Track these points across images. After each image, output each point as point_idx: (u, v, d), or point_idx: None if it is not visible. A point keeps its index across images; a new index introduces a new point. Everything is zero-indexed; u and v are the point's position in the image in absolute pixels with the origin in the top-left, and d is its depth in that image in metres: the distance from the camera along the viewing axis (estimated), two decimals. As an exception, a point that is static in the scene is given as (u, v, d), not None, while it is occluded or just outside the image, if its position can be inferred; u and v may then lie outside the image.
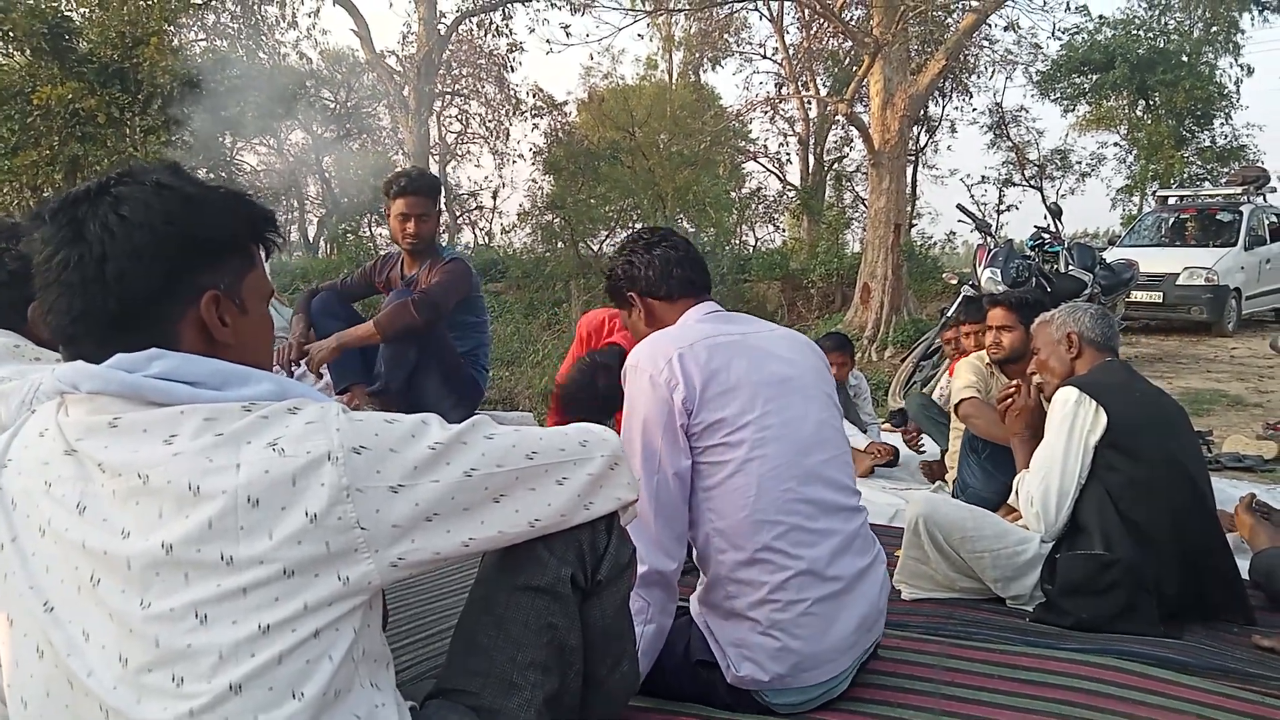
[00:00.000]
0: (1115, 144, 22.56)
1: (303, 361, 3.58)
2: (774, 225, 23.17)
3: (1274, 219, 12.15)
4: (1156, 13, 20.48)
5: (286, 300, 6.22)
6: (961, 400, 3.40)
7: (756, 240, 22.60)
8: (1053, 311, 2.74)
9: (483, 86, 20.96)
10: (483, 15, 17.06)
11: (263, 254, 1.15)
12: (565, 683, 1.19)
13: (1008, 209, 23.20)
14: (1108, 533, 2.29)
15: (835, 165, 21.61)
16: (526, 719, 1.14)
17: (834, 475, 1.81)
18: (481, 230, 23.61)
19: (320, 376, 3.89)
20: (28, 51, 9.52)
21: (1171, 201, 12.95)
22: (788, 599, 1.70)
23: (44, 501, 0.97)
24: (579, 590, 1.20)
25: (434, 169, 20.56)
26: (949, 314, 5.89)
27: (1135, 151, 21.44)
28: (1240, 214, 11.51)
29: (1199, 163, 20.81)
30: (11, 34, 9.47)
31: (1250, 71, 21.12)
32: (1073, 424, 2.38)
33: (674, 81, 21.61)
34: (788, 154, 21.45)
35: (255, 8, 16.51)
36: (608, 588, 1.24)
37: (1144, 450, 2.34)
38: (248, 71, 13.29)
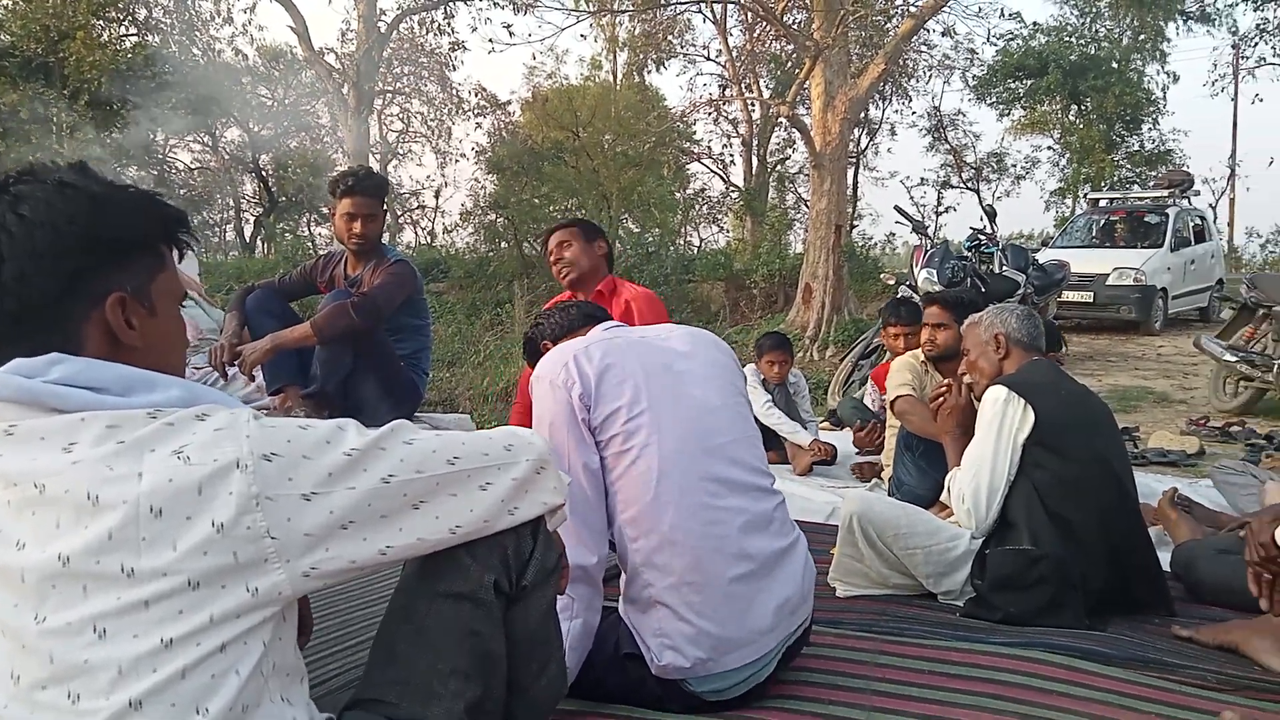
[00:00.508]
0: (1049, 148, 23.19)
1: (235, 363, 3.49)
2: (718, 226, 23.33)
3: (1198, 221, 12.57)
4: (1088, 20, 21.09)
5: (219, 301, 6.08)
6: (896, 398, 3.45)
7: (701, 241, 22.75)
8: (981, 313, 2.79)
9: (425, 85, 20.75)
10: (424, 13, 16.86)
11: (175, 255, 1.12)
12: (488, 690, 1.17)
13: (946, 210, 23.72)
14: (1035, 529, 2.34)
15: (778, 167, 21.83)
16: None
17: (740, 455, 1.85)
18: (424, 230, 23.41)
19: (253, 378, 3.81)
20: (-55, 44, 9.19)
21: (1102, 204, 13.32)
22: (701, 580, 1.72)
23: None
24: (503, 596, 1.18)
25: (375, 168, 20.26)
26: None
27: (1068, 155, 22.05)
28: (1166, 216, 11.89)
29: (1128, 166, 21.47)
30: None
31: (1176, 78, 21.95)
32: (1002, 422, 2.43)
33: (618, 82, 21.63)
34: (731, 155, 21.62)
35: (189, 2, 16.12)
36: (533, 593, 1.22)
37: (1071, 448, 2.40)
38: (181, 67, 12.99)
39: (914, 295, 6.34)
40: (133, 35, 14.74)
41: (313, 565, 0.97)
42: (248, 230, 21.99)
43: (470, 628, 1.15)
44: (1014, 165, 23.74)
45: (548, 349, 2.07)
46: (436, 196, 22.99)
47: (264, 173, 20.83)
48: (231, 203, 22.65)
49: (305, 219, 21.72)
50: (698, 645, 1.72)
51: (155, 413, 0.95)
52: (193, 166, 21.45)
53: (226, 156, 21.34)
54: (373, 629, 1.25)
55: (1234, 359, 6.16)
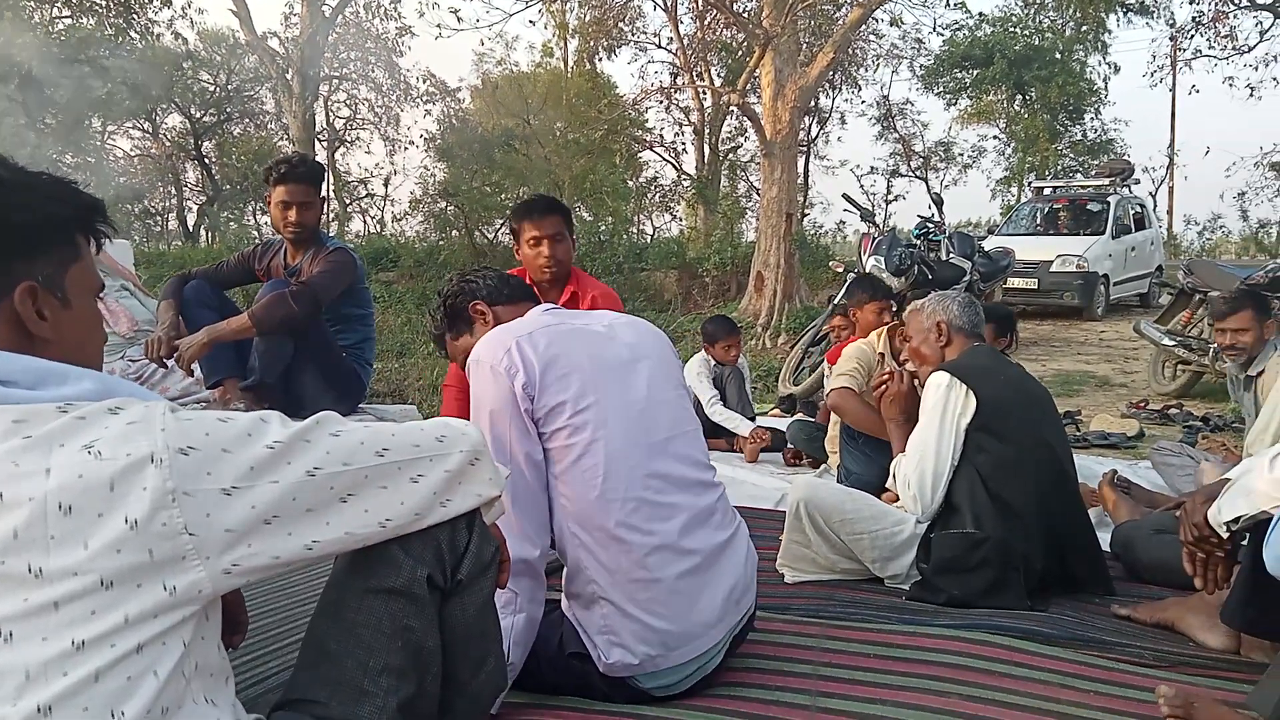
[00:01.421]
0: (995, 137, 23.58)
1: (173, 356, 3.39)
2: (671, 214, 23.35)
3: (1138, 209, 12.86)
4: (1032, 11, 21.40)
5: (153, 293, 5.92)
6: (832, 390, 3.47)
7: (654, 229, 22.74)
8: (922, 301, 2.83)
9: (372, 71, 20.43)
10: (370, -3, 16.60)
11: (92, 246, 1.07)
12: (423, 686, 1.14)
13: (895, 199, 24.02)
14: (978, 511, 2.37)
15: (730, 155, 21.88)
16: None
17: (683, 450, 1.83)
18: (373, 218, 23.08)
19: (191, 372, 3.72)
20: None
21: (1046, 192, 13.56)
22: (647, 577, 1.70)
23: None
24: (437, 591, 1.15)
25: (321, 155, 19.92)
26: (836, 301, 6.01)
27: (1013, 144, 22.42)
28: (1108, 204, 12.14)
29: (1071, 155, 21.90)
30: None
31: (1117, 69, 22.35)
32: (945, 407, 2.45)
33: (569, 69, 21.48)
34: (683, 143, 21.60)
35: (125, -17, 15.64)
36: (469, 587, 1.19)
37: (1012, 431, 2.43)
38: (117, 51, 12.60)
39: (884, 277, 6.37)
40: (65, 17, 14.29)
41: (234, 562, 0.94)
42: (190, 219, 21.51)
43: (402, 623, 1.12)
44: (961, 154, 24.13)
45: (479, 311, 1.99)
46: (385, 185, 22.67)
47: (207, 160, 20.38)
48: (174, 191, 22.11)
49: (250, 207, 21.30)
50: (645, 642, 1.70)
51: (65, 406, 0.91)
52: (133, 154, 20.91)
53: (168, 143, 20.83)
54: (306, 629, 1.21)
55: (1172, 343, 6.31)
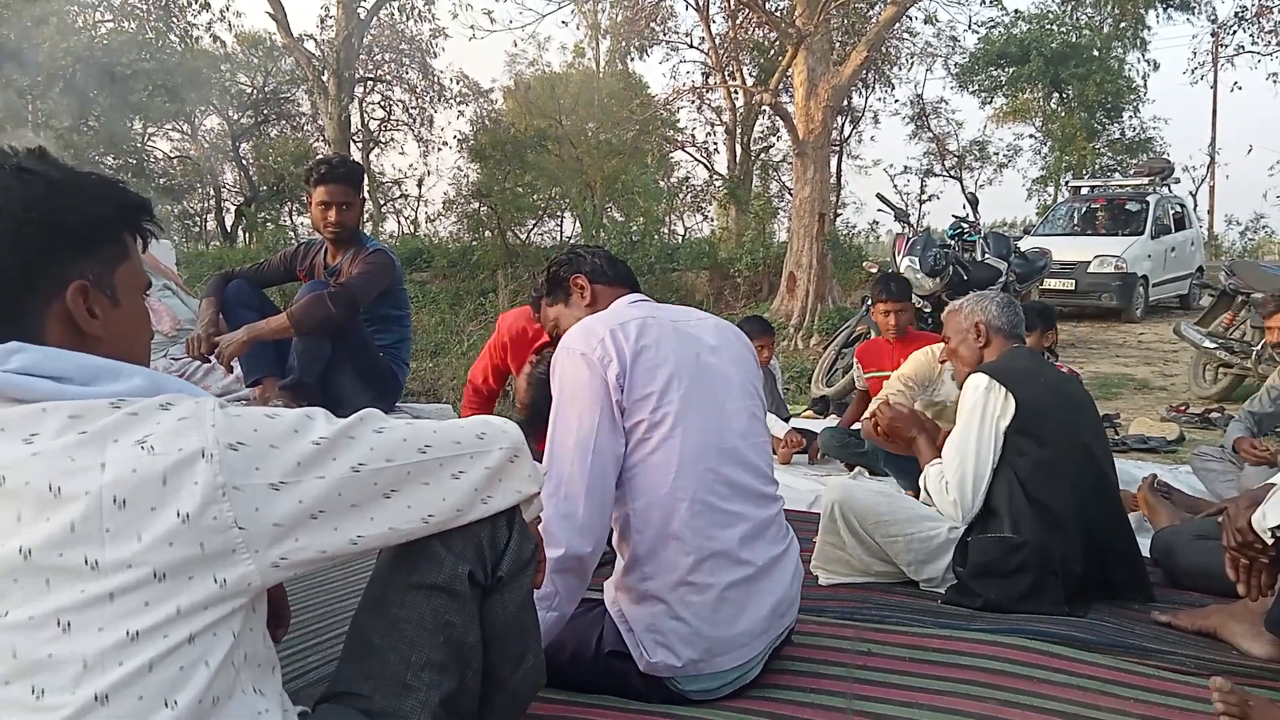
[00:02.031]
0: (1031, 136, 23.28)
1: (213, 354, 3.45)
2: (702, 214, 23.31)
3: (1178, 209, 12.65)
4: (1069, 8, 21.13)
5: (194, 292, 6.02)
6: (884, 404, 3.47)
7: (685, 229, 22.71)
8: (960, 301, 2.80)
9: (406, 72, 20.58)
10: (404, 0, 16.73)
11: (139, 244, 1.09)
12: (463, 682, 1.16)
13: (929, 199, 23.81)
14: (1016, 515, 2.35)
15: (762, 155, 21.80)
16: None
17: (753, 460, 1.81)
18: (407, 219, 23.26)
19: (231, 369, 3.77)
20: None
21: (1083, 192, 13.38)
22: (701, 581, 1.70)
23: None
24: (478, 587, 1.17)
25: (356, 156, 20.12)
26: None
27: (1049, 143, 22.14)
28: (1147, 204, 11.95)
29: (1109, 154, 21.58)
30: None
31: (1156, 67, 21.97)
32: (984, 410, 2.43)
33: (601, 70, 21.52)
34: (715, 143, 21.56)
35: (165, -12, 15.89)
36: (509, 584, 1.20)
37: (1051, 434, 2.41)
38: (158, 54, 12.81)
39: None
40: (108, 21, 14.57)
41: (282, 556, 0.96)
42: (228, 220, 21.80)
43: (444, 619, 1.13)
44: (996, 153, 23.84)
45: (579, 286, 2.01)
46: (419, 185, 22.82)
47: (244, 161, 20.65)
48: (212, 192, 22.43)
49: (287, 208, 21.54)
50: (690, 645, 1.70)
51: (118, 402, 0.93)
52: (172, 155, 21.23)
53: (206, 145, 21.13)
54: (348, 623, 1.23)
55: (1213, 346, 6.20)
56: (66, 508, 0.87)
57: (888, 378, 3.69)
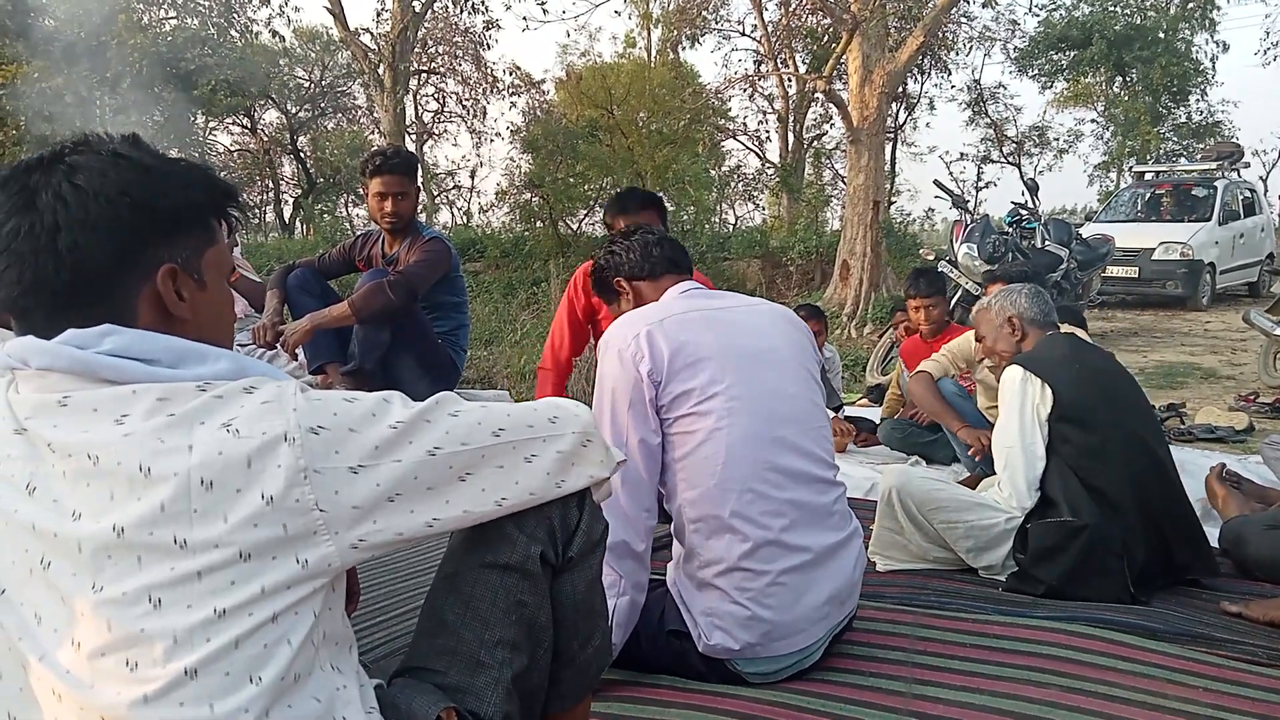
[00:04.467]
0: (1093, 120, 22.71)
1: (278, 342, 3.54)
2: (754, 203, 23.17)
3: (1247, 194, 12.26)
4: (1133, -11, 20.55)
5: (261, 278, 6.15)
6: (918, 371, 3.46)
7: (737, 218, 22.60)
8: (987, 298, 2.80)
9: (459, 64, 20.74)
10: (458, -8, 16.84)
11: (224, 229, 1.12)
12: (534, 660, 1.17)
13: (986, 185, 23.36)
14: (1074, 502, 2.32)
15: (814, 143, 21.60)
16: (494, 697, 1.12)
17: (807, 446, 1.81)
18: (460, 210, 23.48)
19: (295, 357, 3.86)
20: (-8, 29, 9.35)
21: (1148, 177, 13.04)
22: (756, 568, 1.71)
23: None
24: (549, 567, 1.18)
25: (411, 147, 20.35)
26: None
27: (1112, 128, 21.58)
28: (1215, 189, 11.61)
29: (1175, 139, 20.98)
30: (-25, 12, 9.30)
31: (1225, 48, 21.28)
32: (1023, 401, 2.43)
33: (652, 59, 21.47)
34: (767, 132, 21.40)
35: (226, -15, 16.22)
36: (579, 564, 1.21)
37: (1093, 419, 2.39)
38: (219, 50, 13.08)
39: (952, 270, 6.26)
40: (172, 18, 14.91)
41: (361, 538, 0.97)
42: (287, 211, 22.22)
43: (516, 598, 1.15)
44: (1056, 139, 23.30)
45: (621, 287, 2.03)
46: (472, 176, 23.02)
47: (302, 154, 21.01)
48: (271, 184, 22.86)
49: (343, 200, 21.90)
50: (748, 630, 1.72)
51: (204, 385, 0.95)
52: (233, 149, 21.68)
53: (265, 138, 21.53)
54: (420, 598, 1.26)
55: (1285, 334, 6.01)
56: (156, 488, 0.90)
57: None
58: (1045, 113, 23.31)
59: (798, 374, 1.87)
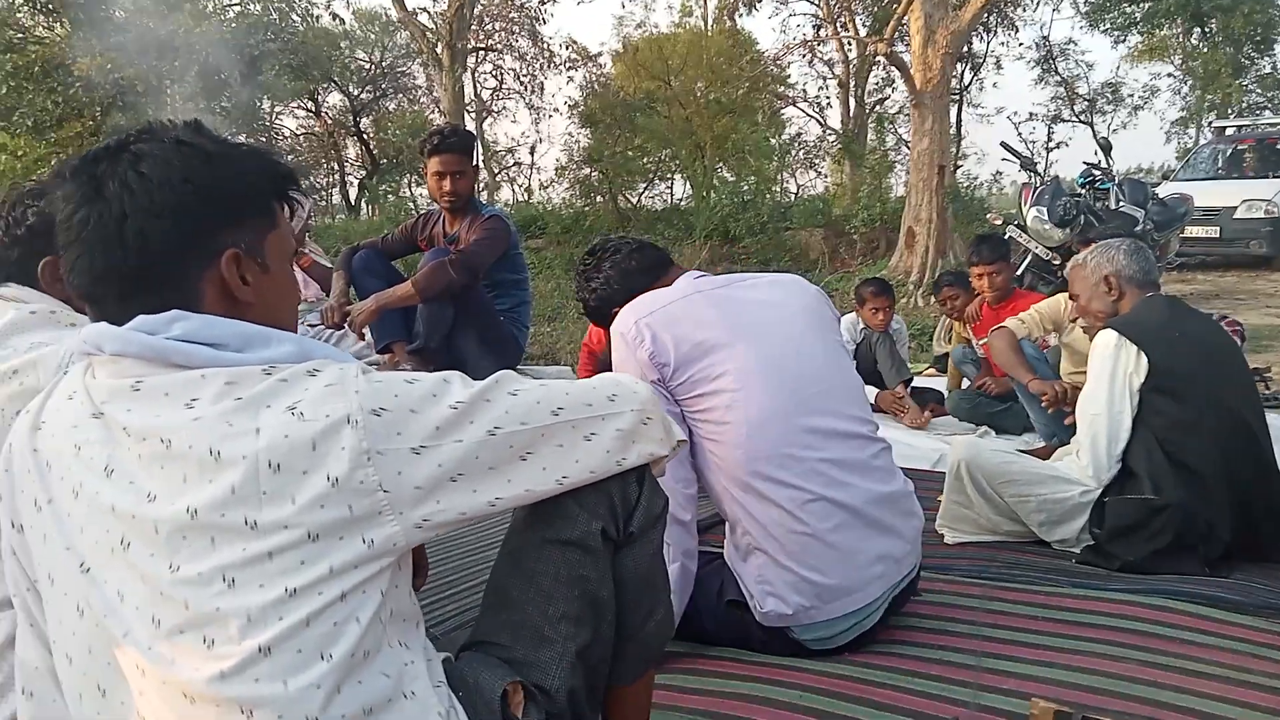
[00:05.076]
0: (1169, 75, 21.82)
1: (345, 322, 3.61)
2: (815, 171, 22.81)
3: (1337, 147, 11.67)
4: (1213, -66, 19.59)
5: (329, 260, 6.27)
6: (1000, 327, 3.38)
7: (798, 188, 22.28)
8: (1084, 254, 2.67)
9: (516, 40, 20.76)
10: (514, -33, 16.82)
11: (286, 212, 1.13)
12: (598, 633, 1.18)
13: (1057, 146, 22.63)
14: (1157, 477, 2.24)
15: (877, 107, 21.14)
16: (559, 671, 1.14)
17: (835, 405, 1.80)
18: (520, 186, 23.58)
19: (362, 336, 3.94)
20: (67, 23, 9.61)
21: (1229, 132, 12.50)
22: (799, 529, 1.71)
23: (74, 464, 0.98)
24: (610, 543, 1.19)
25: (470, 126, 20.49)
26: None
27: (1190, 82, 20.70)
28: (1302, 142, 11.07)
29: (1258, 91, 20.04)
30: (50, 6, 9.56)
31: (1314, -8, 20.13)
32: (1114, 368, 2.33)
33: (709, 28, 21.21)
34: (827, 98, 21.06)
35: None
36: (640, 539, 1.22)
37: (1189, 392, 2.28)
38: (282, 34, 13.29)
39: (1021, 234, 6.09)
40: (235, 4, 15.18)
41: (425, 517, 0.99)
42: (352, 193, 22.58)
43: (579, 573, 1.16)
44: (1131, 95, 22.45)
45: (615, 314, 1.97)
46: (532, 153, 23.09)
47: (365, 135, 21.29)
48: (336, 167, 23.23)
49: (406, 180, 22.15)
50: (800, 592, 1.72)
51: (270, 369, 0.97)
52: (298, 133, 22.07)
53: (329, 121, 21.86)
54: (485, 573, 1.27)
55: (1378, 293, 5.73)
56: (226, 471, 0.92)
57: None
58: (1118, 68, 22.65)
59: (815, 334, 1.87)
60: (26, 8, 10.87)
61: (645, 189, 16.97)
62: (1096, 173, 7.04)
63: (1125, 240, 2.65)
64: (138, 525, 0.94)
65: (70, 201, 0.99)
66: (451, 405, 1.01)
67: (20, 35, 10.83)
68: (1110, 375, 2.32)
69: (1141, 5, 19.99)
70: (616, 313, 2.00)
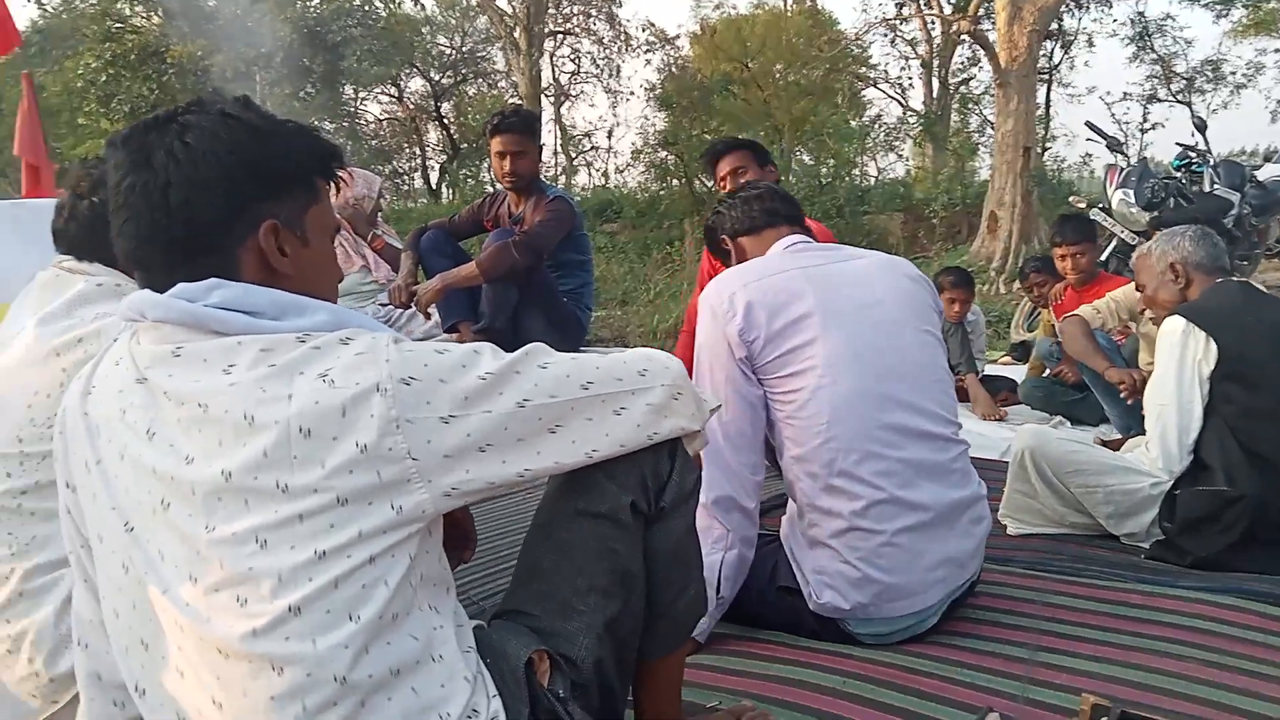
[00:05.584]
0: (1276, 50, 20.64)
1: (412, 302, 3.68)
2: (896, 154, 22.34)
3: None
4: (1329, -100, 18.49)
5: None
6: (1071, 315, 3.27)
7: (879, 170, 21.86)
8: (1149, 243, 2.57)
9: (594, 24, 20.79)
10: (591, -50, 16.83)
11: (331, 189, 1.16)
12: (628, 606, 1.19)
13: (1153, 127, 21.67)
14: (1231, 469, 2.15)
15: (961, 88, 20.56)
16: (585, 642, 1.15)
17: (921, 402, 1.74)
18: (597, 170, 23.65)
19: (429, 316, 4.01)
20: (160, 12, 9.97)
21: (1340, 111, 11.80)
22: (869, 527, 1.66)
23: (120, 427, 1.02)
24: (641, 517, 1.19)
25: (548, 110, 20.64)
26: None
27: (1300, 58, 19.59)
28: None
29: (1375, 67, 18.85)
30: (146, -4, 9.94)
31: None
32: (1182, 355, 2.23)
33: (788, 8, 20.91)
34: (909, 78, 20.66)
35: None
36: (672, 514, 1.22)
37: (1263, 379, 2.18)
38: (364, 21, 13.56)
39: (1106, 217, 5.87)
40: (321, -8, 15.57)
41: (453, 486, 1.00)
42: (433, 177, 22.96)
43: (609, 546, 1.16)
44: (1233, 73, 21.31)
45: (726, 245, 2.01)
46: (609, 137, 23.15)
47: (445, 120, 21.60)
48: (418, 151, 23.63)
49: (485, 164, 22.42)
50: (860, 590, 1.69)
51: (304, 337, 1.00)
52: (381, 118, 22.51)
53: (411, 106, 22.24)
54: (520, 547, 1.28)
55: None
56: (260, 435, 0.95)
57: None
58: (1220, 45, 21.42)
59: (910, 326, 1.80)
60: (125, -2, 11.38)
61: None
62: (1192, 155, 6.74)
63: (1191, 226, 2.54)
64: (176, 487, 0.98)
65: (120, 169, 1.03)
66: (480, 376, 1.02)
67: (119, 25, 11.31)
68: (1179, 363, 2.23)
69: (1248, -23, 19.01)
70: (722, 240, 2.01)
